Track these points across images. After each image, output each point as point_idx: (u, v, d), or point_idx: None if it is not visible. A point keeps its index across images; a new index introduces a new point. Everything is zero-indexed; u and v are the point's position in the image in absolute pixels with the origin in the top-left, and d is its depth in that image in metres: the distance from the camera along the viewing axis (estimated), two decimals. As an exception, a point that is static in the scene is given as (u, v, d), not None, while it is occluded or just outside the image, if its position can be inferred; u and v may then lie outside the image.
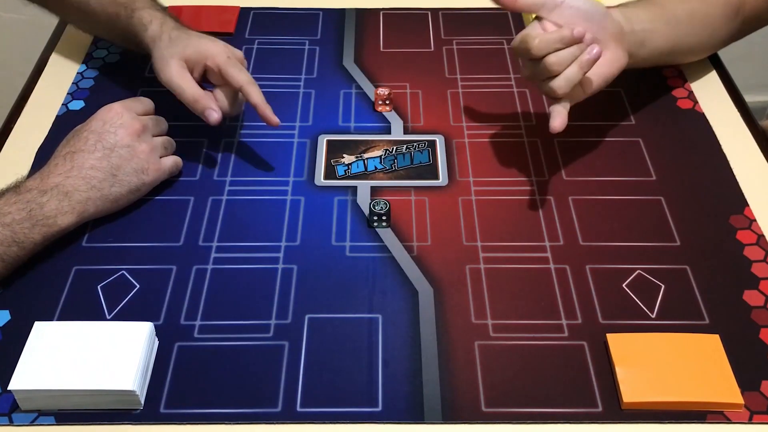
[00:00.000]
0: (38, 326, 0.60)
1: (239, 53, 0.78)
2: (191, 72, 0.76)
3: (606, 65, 0.72)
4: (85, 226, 0.71)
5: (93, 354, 0.58)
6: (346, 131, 0.83)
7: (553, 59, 0.67)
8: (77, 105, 0.85)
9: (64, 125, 0.82)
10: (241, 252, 0.70)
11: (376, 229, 0.72)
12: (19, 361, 0.57)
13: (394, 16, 1.00)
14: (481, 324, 0.64)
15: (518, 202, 0.75)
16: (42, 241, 0.65)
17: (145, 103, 0.75)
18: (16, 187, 0.66)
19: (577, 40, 0.67)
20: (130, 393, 0.57)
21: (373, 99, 0.86)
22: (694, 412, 0.58)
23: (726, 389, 0.58)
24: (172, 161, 0.75)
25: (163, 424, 0.58)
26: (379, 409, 0.59)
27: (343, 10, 1.00)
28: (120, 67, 0.91)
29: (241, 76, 0.74)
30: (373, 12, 1.00)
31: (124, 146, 0.69)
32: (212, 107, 0.74)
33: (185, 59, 0.75)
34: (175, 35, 0.76)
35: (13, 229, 0.63)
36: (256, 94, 0.74)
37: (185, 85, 0.74)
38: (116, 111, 0.71)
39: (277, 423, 0.58)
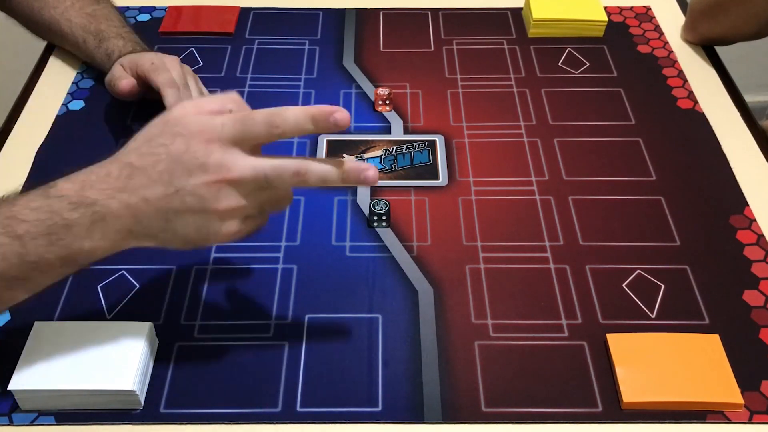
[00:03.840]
0: (38, 326, 0.60)
1: (169, 58, 0.77)
2: None
3: None
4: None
5: (93, 354, 0.58)
6: (346, 131, 0.83)
7: None
8: (77, 105, 0.85)
9: (64, 125, 0.83)
10: (241, 252, 0.70)
11: (376, 229, 0.72)
12: (19, 361, 0.57)
13: (394, 16, 1.00)
14: (481, 324, 0.64)
15: (518, 202, 0.75)
16: (60, 266, 0.51)
17: (267, 129, 0.50)
18: (47, 187, 0.51)
19: None
20: (130, 393, 0.57)
21: (373, 99, 0.86)
22: (694, 412, 0.58)
23: (726, 389, 0.58)
24: (252, 227, 0.54)
25: (163, 424, 0.58)
26: (379, 409, 0.59)
27: (343, 10, 1.00)
28: (120, 67, 0.90)
29: (160, 78, 0.74)
30: (373, 12, 1.00)
31: (196, 196, 0.50)
32: (124, 78, 0.76)
33: (122, 66, 0.78)
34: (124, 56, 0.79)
35: (23, 243, 0.49)
36: (170, 96, 0.73)
37: (110, 72, 0.78)
38: (209, 141, 0.50)
39: (277, 423, 0.58)
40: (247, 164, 0.50)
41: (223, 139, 0.50)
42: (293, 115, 0.50)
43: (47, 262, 0.50)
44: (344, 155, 0.79)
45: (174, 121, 0.51)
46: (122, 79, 0.76)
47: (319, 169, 0.51)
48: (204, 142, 0.50)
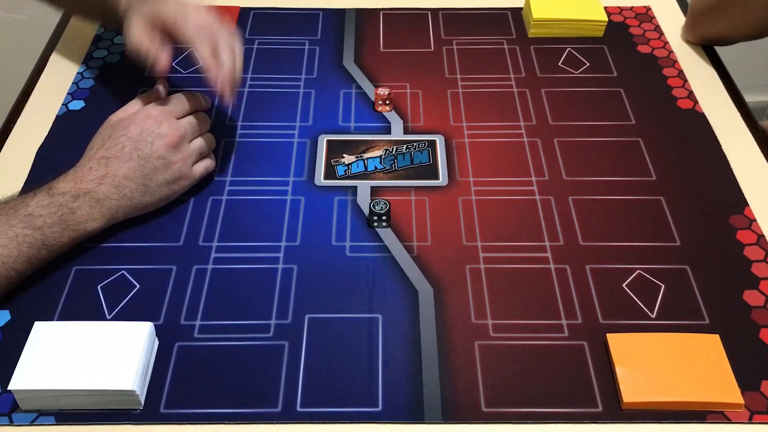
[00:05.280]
0: (38, 326, 0.60)
1: (192, 7, 0.72)
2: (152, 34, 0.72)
3: None
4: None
5: (93, 354, 0.58)
6: (346, 131, 0.83)
7: None
8: (77, 105, 0.85)
9: (64, 125, 0.83)
10: (241, 252, 0.70)
11: (376, 229, 0.72)
12: (19, 361, 0.57)
13: (394, 16, 1.00)
14: (481, 324, 0.64)
15: (518, 202, 0.75)
16: (69, 244, 0.66)
17: (184, 103, 0.74)
18: (48, 188, 0.65)
19: None
20: (130, 393, 0.57)
21: (373, 99, 0.86)
22: (694, 412, 0.58)
23: (726, 389, 0.58)
24: (203, 167, 0.74)
25: (163, 424, 0.58)
26: (379, 409, 0.59)
27: (343, 10, 1.00)
28: (120, 67, 0.91)
29: (189, 27, 0.70)
30: (373, 12, 1.00)
31: (159, 157, 0.69)
32: (158, 56, 0.70)
33: (144, 20, 0.72)
34: (140, 2, 0.74)
35: (44, 233, 0.63)
36: (203, 50, 0.70)
37: (132, 34, 0.71)
38: (155, 118, 0.70)
39: (277, 423, 0.58)
40: (183, 122, 0.72)
41: (164, 113, 0.71)
42: (198, 97, 0.76)
43: (61, 243, 0.65)
44: (344, 155, 0.79)
45: (120, 121, 0.71)
46: (159, 54, 0.70)
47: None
48: (152, 120, 0.70)
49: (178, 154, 0.70)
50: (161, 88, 0.76)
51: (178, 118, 0.72)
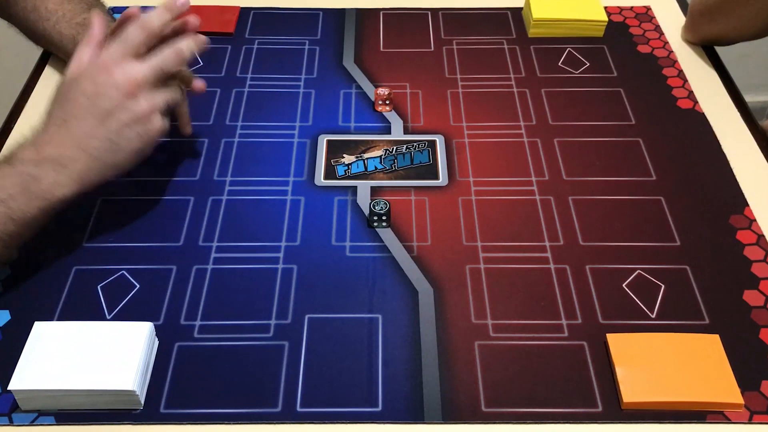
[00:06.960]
0: (38, 326, 0.60)
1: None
2: None
3: None
4: (86, 226, 0.71)
5: (93, 354, 0.58)
6: (346, 131, 0.83)
7: None
8: (77, 105, 0.85)
9: (64, 125, 0.83)
10: (241, 252, 0.70)
11: (376, 229, 0.72)
12: (19, 361, 0.57)
13: (394, 16, 1.00)
14: (481, 324, 0.64)
15: (518, 202, 0.75)
16: (39, 216, 0.61)
17: (139, 33, 0.64)
18: (9, 158, 0.62)
19: None
20: (130, 393, 0.57)
21: (373, 99, 0.86)
22: (694, 412, 0.58)
23: (726, 389, 0.58)
24: (161, 123, 0.66)
25: (163, 424, 0.58)
26: (379, 409, 0.59)
27: (343, 10, 1.00)
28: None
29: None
30: (373, 12, 1.00)
31: (122, 109, 0.62)
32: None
33: None
34: None
35: (8, 206, 0.60)
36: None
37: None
38: (107, 68, 0.63)
39: (277, 423, 0.58)
40: (144, 66, 0.64)
41: (116, 60, 0.63)
42: (154, 14, 0.65)
43: (29, 215, 0.61)
44: (344, 155, 0.79)
45: (73, 77, 0.64)
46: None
47: (185, 44, 0.66)
48: (105, 71, 0.63)
49: (143, 103, 0.63)
50: (96, 25, 0.67)
51: (141, 55, 0.64)
